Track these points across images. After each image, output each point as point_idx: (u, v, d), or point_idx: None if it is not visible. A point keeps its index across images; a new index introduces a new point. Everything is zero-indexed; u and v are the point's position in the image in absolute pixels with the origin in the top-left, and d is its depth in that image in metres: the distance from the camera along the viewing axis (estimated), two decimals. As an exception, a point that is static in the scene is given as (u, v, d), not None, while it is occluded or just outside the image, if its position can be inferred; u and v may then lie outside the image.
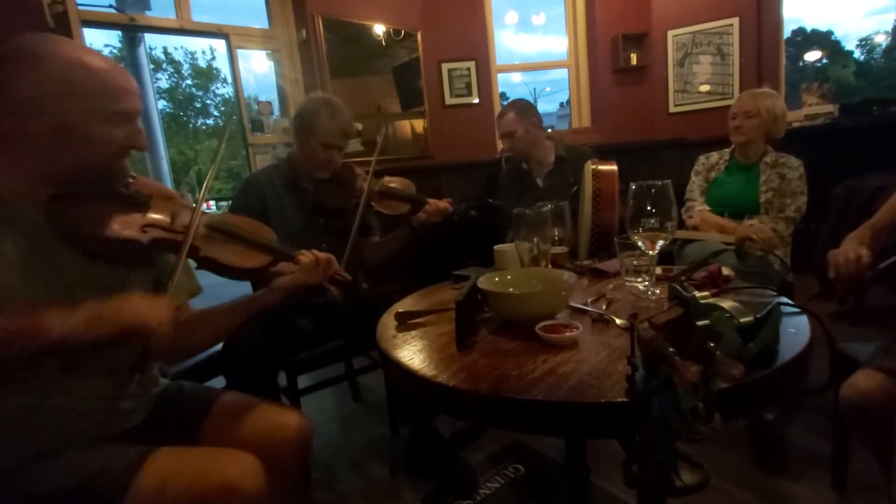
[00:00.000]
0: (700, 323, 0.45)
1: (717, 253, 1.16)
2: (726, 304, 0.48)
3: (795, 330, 0.71)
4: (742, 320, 0.48)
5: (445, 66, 3.56)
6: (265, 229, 1.05)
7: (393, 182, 1.73)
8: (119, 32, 10.64)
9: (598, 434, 1.03)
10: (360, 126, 3.12)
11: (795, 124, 3.11)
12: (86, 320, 0.68)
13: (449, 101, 3.61)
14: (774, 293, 0.88)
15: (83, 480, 0.72)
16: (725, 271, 0.95)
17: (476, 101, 3.64)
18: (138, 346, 0.74)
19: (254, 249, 0.98)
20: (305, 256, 1.02)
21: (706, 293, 0.48)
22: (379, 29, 3.24)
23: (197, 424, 0.92)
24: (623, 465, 0.51)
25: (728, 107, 2.02)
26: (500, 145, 3.68)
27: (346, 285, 1.07)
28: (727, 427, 0.52)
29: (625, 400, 0.55)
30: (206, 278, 1.05)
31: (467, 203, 1.76)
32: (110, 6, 2.93)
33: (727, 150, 2.05)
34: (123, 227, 0.81)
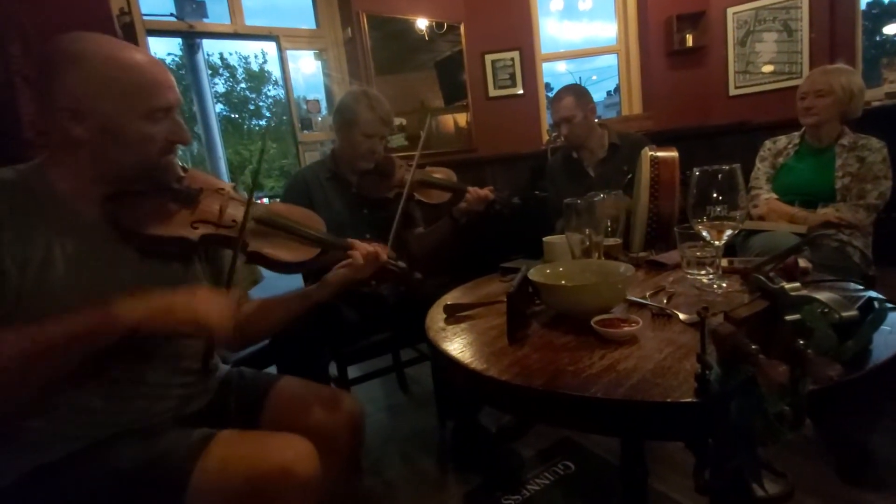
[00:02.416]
0: (789, 317, 0.40)
1: (803, 244, 1.06)
2: (822, 296, 0.43)
3: (890, 328, 0.64)
4: (844, 314, 0.43)
5: (489, 58, 3.50)
6: (315, 219, 1.05)
7: (435, 172, 1.73)
8: (179, 40, 11.28)
9: (663, 436, 0.98)
10: (403, 121, 3.14)
11: (875, 103, 2.83)
12: (156, 311, 0.70)
13: (493, 92, 3.55)
14: (861, 287, 0.80)
15: (152, 461, 0.76)
16: (802, 263, 0.87)
17: (520, 91, 3.56)
18: (203, 340, 0.76)
19: (302, 242, 0.97)
20: (359, 250, 1.00)
21: (796, 284, 0.43)
22: (422, 23, 3.24)
23: (257, 408, 0.96)
24: (694, 471, 0.48)
25: (796, 87, 1.86)
26: (545, 137, 3.60)
27: (400, 275, 1.06)
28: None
29: (695, 400, 0.51)
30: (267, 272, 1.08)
31: (510, 191, 1.72)
32: (171, 15, 3.09)
33: (796, 134, 1.89)
34: (174, 224, 0.82)
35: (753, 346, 0.38)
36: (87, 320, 0.67)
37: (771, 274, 0.45)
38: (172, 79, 0.82)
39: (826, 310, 0.42)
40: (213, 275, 0.96)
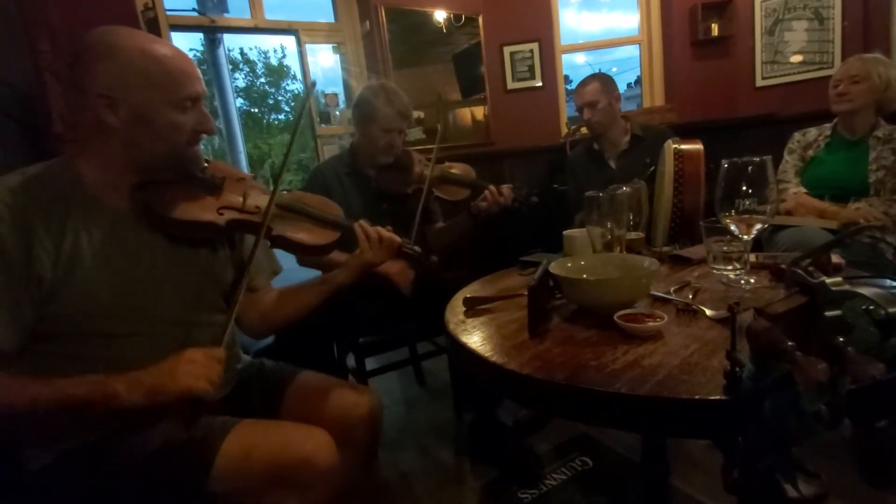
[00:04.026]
0: (829, 313, 0.39)
1: (843, 240, 1.03)
2: (866, 291, 0.41)
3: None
4: (891, 310, 0.40)
5: (507, 50, 3.46)
6: (332, 205, 1.07)
7: (453, 168, 1.73)
8: (201, 35, 11.43)
9: (690, 434, 0.97)
10: (421, 114, 3.13)
11: (911, 94, 2.71)
12: (147, 391, 0.69)
13: (511, 85, 3.50)
14: (898, 284, 0.76)
15: (176, 445, 0.78)
16: (835, 259, 0.84)
17: (539, 84, 3.51)
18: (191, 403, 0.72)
19: (323, 226, 1.00)
20: (365, 232, 1.01)
21: (838, 279, 0.41)
22: (440, 15, 3.21)
23: (277, 400, 0.97)
24: (722, 470, 0.46)
25: (827, 77, 1.80)
26: (564, 130, 3.54)
27: (416, 258, 1.07)
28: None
29: (724, 398, 0.50)
30: (284, 261, 1.10)
31: (529, 189, 1.71)
32: (193, 10, 3.13)
33: (828, 126, 1.83)
34: (201, 210, 0.84)
35: (790, 343, 0.37)
36: (86, 392, 0.68)
37: (810, 268, 0.43)
38: (198, 71, 0.84)
39: (870, 306, 0.40)
40: (236, 263, 0.98)
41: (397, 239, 1.03)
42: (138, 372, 0.70)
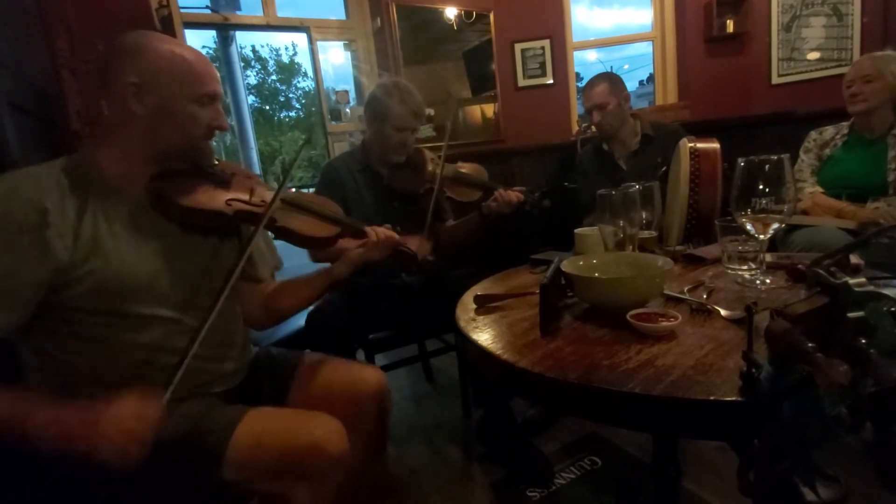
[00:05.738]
0: (852, 315, 0.38)
1: (864, 241, 1.01)
2: (890, 292, 0.40)
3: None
4: (922, 311, 0.40)
5: (518, 47, 3.44)
6: (332, 204, 1.12)
7: (465, 168, 1.72)
8: (214, 33, 11.52)
9: (705, 435, 0.96)
10: (431, 112, 3.12)
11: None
12: (61, 434, 0.67)
13: (522, 82, 3.49)
14: (920, 286, 0.75)
15: (191, 432, 0.80)
16: (854, 259, 0.83)
17: (550, 81, 3.49)
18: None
19: (324, 221, 1.05)
20: (371, 233, 1.07)
21: (862, 279, 0.40)
22: (451, 12, 3.20)
23: (286, 385, 1.01)
24: (738, 472, 0.46)
25: (844, 75, 1.77)
26: (575, 127, 3.52)
27: (411, 256, 1.10)
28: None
29: (739, 399, 0.49)
30: (287, 261, 1.15)
31: (541, 191, 1.70)
32: (206, 7, 3.16)
33: (845, 124, 1.79)
34: (211, 200, 0.90)
35: (811, 345, 0.36)
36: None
37: (832, 269, 0.43)
38: (217, 73, 0.92)
39: (894, 307, 0.39)
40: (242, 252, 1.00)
41: (396, 237, 1.09)
42: (66, 407, 0.68)
